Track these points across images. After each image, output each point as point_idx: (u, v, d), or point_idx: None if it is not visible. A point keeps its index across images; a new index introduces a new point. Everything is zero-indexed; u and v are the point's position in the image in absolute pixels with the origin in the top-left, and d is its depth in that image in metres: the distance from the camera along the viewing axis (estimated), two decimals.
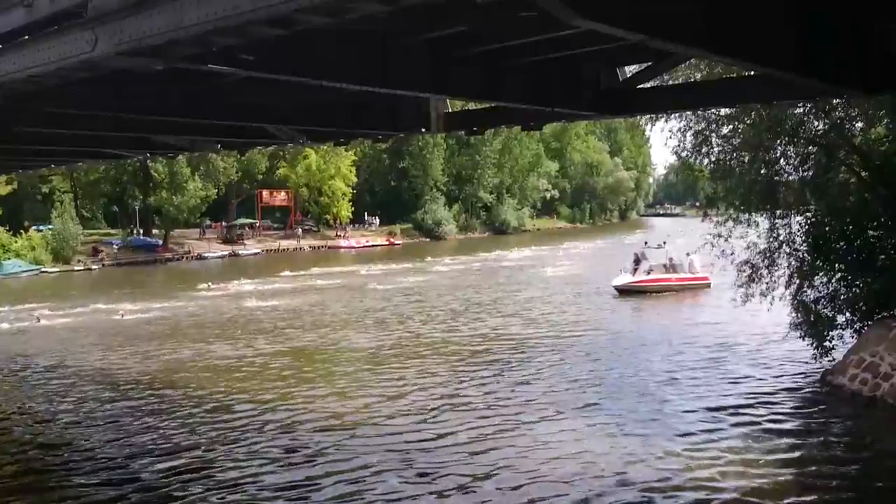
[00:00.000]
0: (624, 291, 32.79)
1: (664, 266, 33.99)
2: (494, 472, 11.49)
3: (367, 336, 23.48)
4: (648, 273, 33.65)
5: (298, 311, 29.58)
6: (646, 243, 38.83)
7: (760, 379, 16.94)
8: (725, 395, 15.60)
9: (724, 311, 25.96)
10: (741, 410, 14.52)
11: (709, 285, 33.21)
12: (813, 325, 16.89)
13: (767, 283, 17.75)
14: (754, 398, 15.38)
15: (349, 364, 19.80)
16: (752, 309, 24.59)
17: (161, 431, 13.87)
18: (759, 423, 13.70)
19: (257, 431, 13.75)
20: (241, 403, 15.70)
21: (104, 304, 31.59)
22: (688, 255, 34.13)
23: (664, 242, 37.39)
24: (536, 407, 15.01)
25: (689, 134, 18.02)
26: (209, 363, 20.00)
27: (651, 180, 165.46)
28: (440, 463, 11.98)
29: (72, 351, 22.39)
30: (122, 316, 28.82)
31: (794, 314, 17.37)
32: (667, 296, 32.36)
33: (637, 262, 34.76)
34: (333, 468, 11.82)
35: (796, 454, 12.37)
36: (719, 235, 18.08)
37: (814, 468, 11.77)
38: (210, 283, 38.32)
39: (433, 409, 14.88)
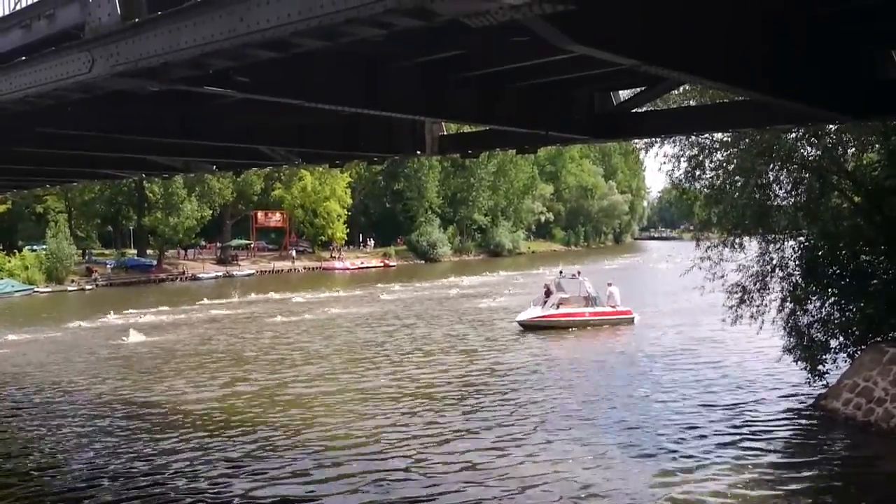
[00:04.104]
0: (529, 327, 28.59)
1: (585, 298, 29.96)
2: None
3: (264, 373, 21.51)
4: (557, 307, 29.34)
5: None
6: (560, 272, 34.06)
7: (753, 402, 16.88)
8: (714, 422, 15.48)
9: (660, 346, 24.82)
10: (733, 435, 14.45)
11: (632, 320, 29.83)
12: (806, 349, 16.88)
13: (758, 307, 17.76)
14: (747, 421, 15.33)
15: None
16: (691, 344, 24.56)
17: None
18: (752, 447, 13.63)
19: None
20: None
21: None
22: (608, 285, 31.29)
23: (579, 272, 32.96)
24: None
25: (682, 159, 18.10)
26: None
27: (645, 204, 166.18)
28: None
29: None
30: None
31: (786, 338, 17.38)
32: (583, 332, 28.42)
33: (548, 293, 30.43)
34: None
35: (790, 479, 12.28)
36: (708, 258, 18.11)
37: (808, 494, 11.69)
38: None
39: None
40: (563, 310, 29.24)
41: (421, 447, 14.14)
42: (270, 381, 20.50)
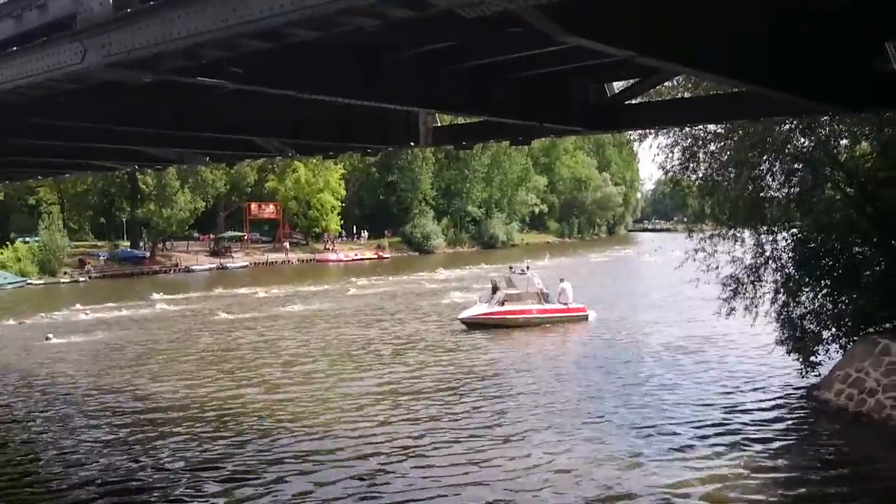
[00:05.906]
0: (473, 325, 26.98)
1: (537, 294, 28.40)
2: None
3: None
4: (502, 304, 27.51)
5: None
6: (510, 268, 32.09)
7: (744, 394, 16.94)
8: (705, 413, 15.49)
9: (618, 345, 23.72)
10: (724, 426, 14.48)
11: (586, 318, 28.35)
12: (799, 340, 16.95)
13: (751, 299, 17.80)
14: (738, 413, 15.38)
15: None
16: (662, 342, 23.88)
17: None
18: (743, 438, 13.69)
19: None
20: None
21: None
22: (560, 281, 29.50)
23: (527, 267, 31.52)
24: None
25: (676, 150, 18.09)
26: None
27: (639, 195, 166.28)
28: None
29: None
30: None
31: (779, 329, 17.44)
32: (530, 330, 26.93)
33: (495, 290, 28.58)
34: None
35: (781, 470, 12.38)
36: (702, 250, 18.13)
37: (799, 484, 11.75)
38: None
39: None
40: (508, 307, 27.58)
41: (365, 449, 13.58)
42: (241, 376, 20.40)
